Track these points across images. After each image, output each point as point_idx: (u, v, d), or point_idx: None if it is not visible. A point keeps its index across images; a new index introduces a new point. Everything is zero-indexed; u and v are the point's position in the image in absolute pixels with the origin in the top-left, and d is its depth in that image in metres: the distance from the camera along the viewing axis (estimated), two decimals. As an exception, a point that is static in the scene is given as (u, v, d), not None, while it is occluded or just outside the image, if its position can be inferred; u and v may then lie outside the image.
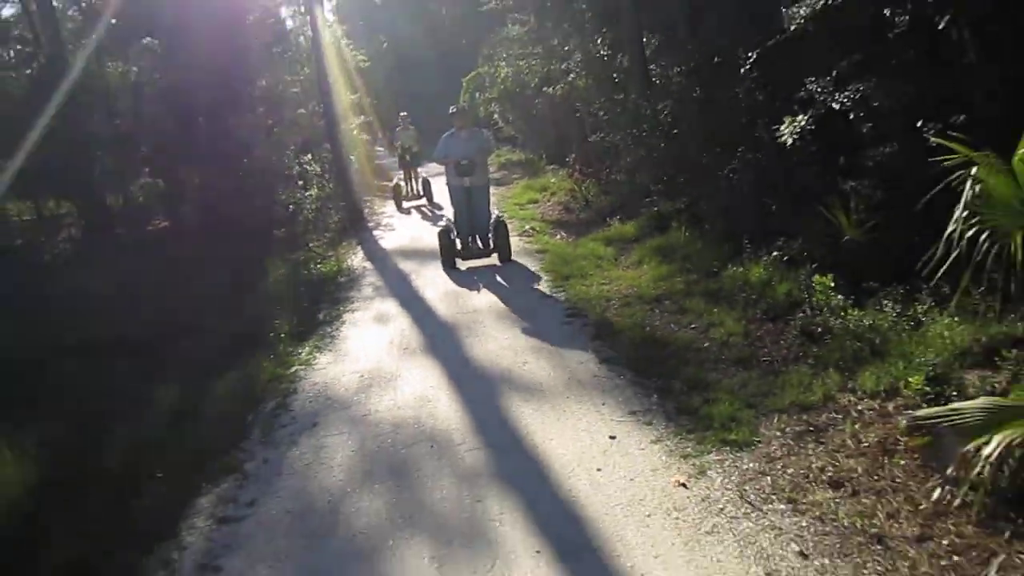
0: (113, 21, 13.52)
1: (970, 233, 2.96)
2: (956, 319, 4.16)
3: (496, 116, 19.75)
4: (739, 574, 2.84)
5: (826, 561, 2.84)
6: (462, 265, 8.40)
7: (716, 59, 8.28)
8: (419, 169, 15.10)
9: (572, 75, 11.87)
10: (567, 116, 13.47)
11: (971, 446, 2.81)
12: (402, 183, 14.91)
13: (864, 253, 5.41)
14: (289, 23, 17.67)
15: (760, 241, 6.34)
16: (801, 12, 6.26)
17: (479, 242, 8.64)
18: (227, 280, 8.95)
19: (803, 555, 2.89)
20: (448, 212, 10.15)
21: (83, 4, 15.88)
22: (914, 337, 4.28)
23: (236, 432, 4.71)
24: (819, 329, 4.80)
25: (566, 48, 12.38)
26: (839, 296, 4.99)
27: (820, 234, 5.81)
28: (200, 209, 13.10)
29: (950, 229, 2.99)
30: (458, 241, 8.63)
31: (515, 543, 3.19)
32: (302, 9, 17.01)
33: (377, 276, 8.99)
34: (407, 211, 14.12)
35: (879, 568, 2.76)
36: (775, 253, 6.01)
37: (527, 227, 10.23)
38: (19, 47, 14.11)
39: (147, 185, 14.37)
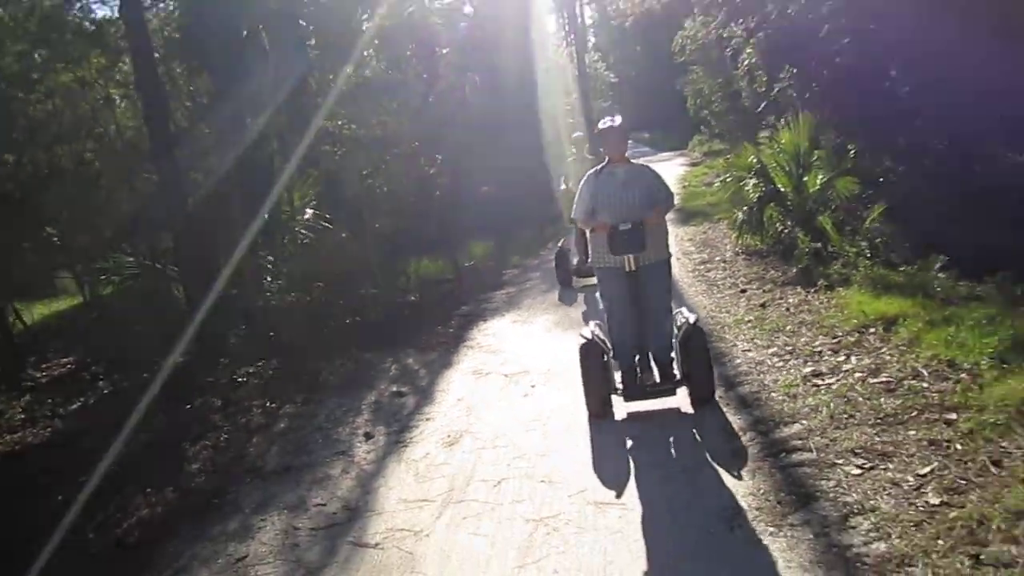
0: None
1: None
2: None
3: (706, 114, 30.94)
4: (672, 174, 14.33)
5: (693, 229, 14.29)
6: (621, 410, 5.81)
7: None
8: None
9: (716, 104, 23.11)
10: (731, 118, 24.80)
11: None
12: (571, 247, 11.14)
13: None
14: (560, 60, 30.16)
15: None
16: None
17: (653, 369, 5.74)
18: (534, 210, 21.28)
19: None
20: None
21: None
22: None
23: (544, 243, 16.84)
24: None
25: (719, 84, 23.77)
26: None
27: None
28: (513, 180, 25.70)
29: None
30: (616, 367, 5.83)
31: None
32: (573, 49, 29.51)
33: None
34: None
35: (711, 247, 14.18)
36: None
37: (694, 182, 21.64)
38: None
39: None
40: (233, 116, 9.55)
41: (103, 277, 10.18)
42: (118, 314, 10.09)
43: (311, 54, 10.51)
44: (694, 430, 5.41)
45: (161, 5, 11.23)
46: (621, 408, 5.80)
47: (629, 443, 5.36)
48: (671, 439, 5.33)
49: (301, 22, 11.22)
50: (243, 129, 9.48)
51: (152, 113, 8.66)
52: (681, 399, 5.75)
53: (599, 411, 5.69)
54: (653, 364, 5.76)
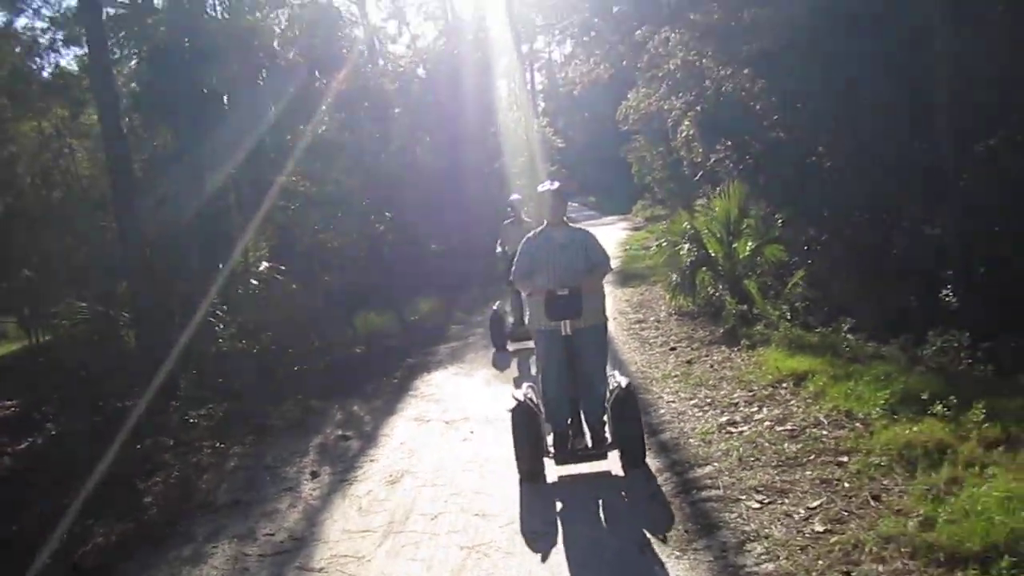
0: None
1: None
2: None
3: (649, 180, 32.14)
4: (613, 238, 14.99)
5: (631, 291, 14.96)
6: (553, 473, 5.81)
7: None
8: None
9: (657, 172, 24.32)
10: (672, 185, 25.96)
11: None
12: (507, 309, 11.10)
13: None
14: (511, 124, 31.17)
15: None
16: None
17: (586, 432, 5.77)
18: (482, 268, 21.86)
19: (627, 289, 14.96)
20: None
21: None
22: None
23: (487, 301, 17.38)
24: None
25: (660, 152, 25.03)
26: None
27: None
28: (463, 238, 26.36)
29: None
30: (548, 430, 5.82)
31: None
32: (522, 114, 30.50)
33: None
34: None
35: (647, 310, 14.87)
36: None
37: (635, 246, 22.46)
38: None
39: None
40: (192, 170, 10.02)
41: (54, 321, 10.46)
42: (68, 357, 10.34)
43: (269, 113, 11.12)
44: (618, 473, 5.86)
45: (129, 62, 11.74)
46: (552, 471, 5.86)
47: (556, 481, 5.83)
48: (595, 477, 5.79)
49: (260, 83, 11.83)
50: (201, 182, 9.96)
51: (115, 164, 9.09)
52: (612, 462, 5.84)
53: (531, 474, 5.68)
54: (585, 427, 5.78)
